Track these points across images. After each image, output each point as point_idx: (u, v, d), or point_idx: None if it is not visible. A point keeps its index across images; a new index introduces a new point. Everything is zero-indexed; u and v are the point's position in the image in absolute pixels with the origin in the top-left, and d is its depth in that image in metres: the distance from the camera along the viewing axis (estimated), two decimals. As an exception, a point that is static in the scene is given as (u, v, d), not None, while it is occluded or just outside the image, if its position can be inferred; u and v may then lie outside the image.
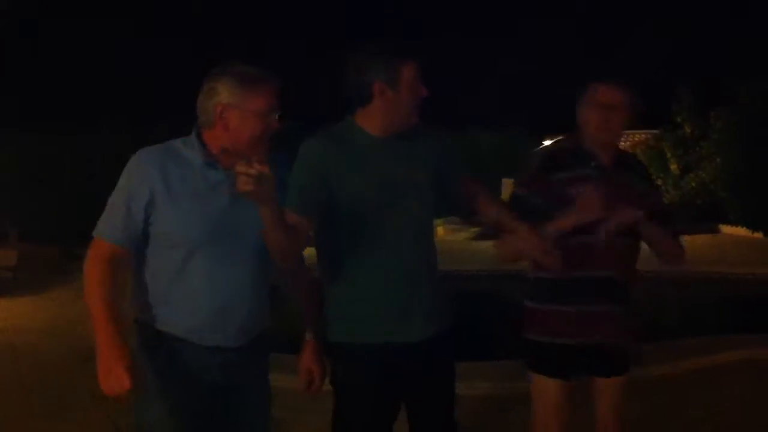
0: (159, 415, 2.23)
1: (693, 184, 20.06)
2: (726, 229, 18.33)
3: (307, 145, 2.48)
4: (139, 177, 2.19)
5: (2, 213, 13.41)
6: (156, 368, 2.24)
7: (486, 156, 19.46)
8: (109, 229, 2.22)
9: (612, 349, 2.75)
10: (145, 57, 20.82)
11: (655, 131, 22.17)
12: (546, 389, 2.74)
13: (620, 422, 2.80)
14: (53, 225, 12.22)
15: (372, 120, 2.47)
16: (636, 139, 23.29)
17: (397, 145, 2.50)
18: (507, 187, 19.32)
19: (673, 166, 20.89)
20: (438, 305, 2.55)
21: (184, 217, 2.18)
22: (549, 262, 2.50)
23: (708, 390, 5.08)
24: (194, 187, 2.20)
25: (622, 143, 23.31)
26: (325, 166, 2.43)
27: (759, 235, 16.58)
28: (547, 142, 19.39)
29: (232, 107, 2.18)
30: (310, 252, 2.53)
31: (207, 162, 2.22)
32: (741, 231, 17.55)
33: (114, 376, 2.06)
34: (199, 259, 2.20)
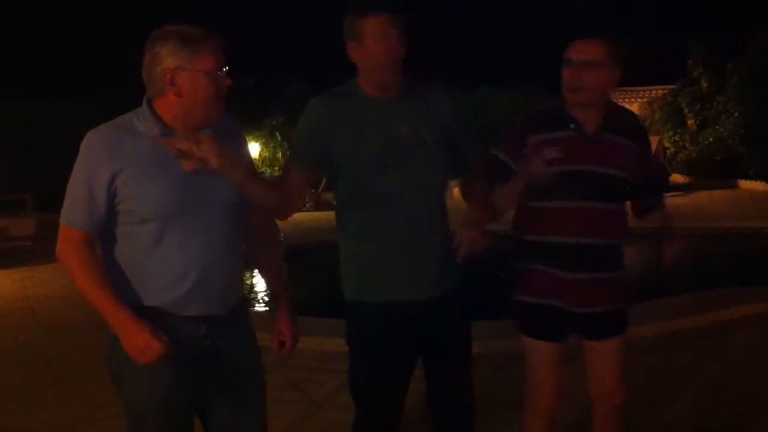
0: (148, 392, 2.19)
1: (710, 140, 19.90)
2: (744, 183, 18.19)
3: (310, 105, 2.48)
4: (95, 159, 2.11)
5: (20, 182, 13.55)
6: None
7: (504, 115, 19.33)
8: (75, 216, 2.14)
9: (599, 315, 2.66)
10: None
11: (671, 87, 21.94)
12: (537, 350, 2.70)
13: (622, 386, 2.73)
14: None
15: (363, 80, 2.46)
16: (652, 95, 23.06)
17: (401, 105, 2.47)
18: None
19: (690, 122, 20.70)
20: (447, 264, 2.54)
21: (150, 190, 2.10)
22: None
23: (726, 343, 5.07)
24: (154, 159, 2.11)
25: (639, 100, 23.24)
26: (326, 125, 2.42)
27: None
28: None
29: (180, 71, 2.08)
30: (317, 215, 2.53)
31: (163, 132, 2.13)
32: (759, 185, 17.41)
33: (144, 348, 2.06)
34: (172, 230, 2.14)
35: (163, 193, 2.11)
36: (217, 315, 2.24)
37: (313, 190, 15.13)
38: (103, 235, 2.19)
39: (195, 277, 2.17)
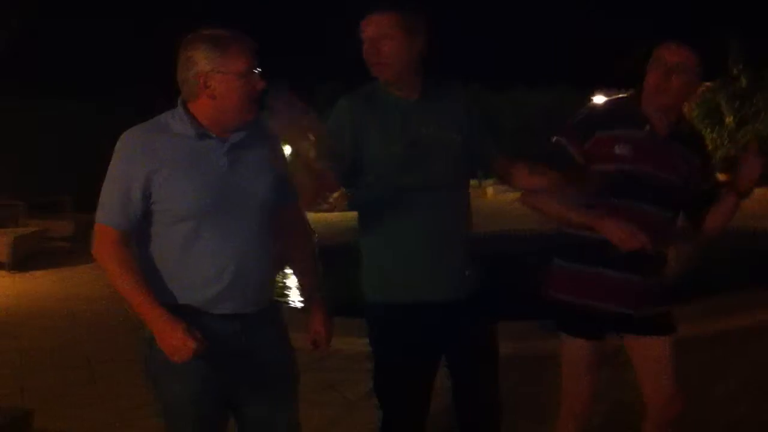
0: (183, 390, 2.22)
1: (749, 137, 19.56)
2: (784, 183, 17.84)
3: (339, 104, 2.50)
4: (130, 159, 2.15)
5: (58, 183, 13.75)
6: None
7: (533, 115, 19.19)
8: (111, 215, 2.17)
9: (648, 317, 2.63)
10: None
11: (709, 84, 21.62)
12: (575, 349, 2.67)
13: (681, 392, 2.66)
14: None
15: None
16: (690, 92, 22.73)
17: (424, 105, 2.47)
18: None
19: (728, 119, 20.38)
20: (469, 264, 2.53)
21: (185, 190, 2.14)
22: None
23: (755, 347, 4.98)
24: (190, 159, 2.16)
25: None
26: (354, 125, 2.43)
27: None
28: (596, 98, 19.03)
29: (213, 74, 2.12)
30: (343, 216, 2.54)
31: (199, 133, 2.17)
32: (800, 184, 17.07)
33: (179, 346, 2.09)
34: (208, 228, 2.17)
35: (198, 192, 2.14)
36: (250, 313, 2.27)
37: (344, 190, 15.10)
38: (138, 235, 2.22)
39: (231, 274, 2.19)
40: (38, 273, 9.88)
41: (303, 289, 2.59)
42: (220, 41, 2.12)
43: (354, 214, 2.65)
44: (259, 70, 2.18)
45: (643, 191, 2.52)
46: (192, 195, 2.14)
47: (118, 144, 2.19)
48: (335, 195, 18.55)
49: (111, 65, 17.53)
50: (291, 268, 2.59)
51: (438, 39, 2.44)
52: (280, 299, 2.48)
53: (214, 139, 2.19)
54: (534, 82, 21.29)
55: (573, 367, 2.70)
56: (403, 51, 2.38)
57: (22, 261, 10.10)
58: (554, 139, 2.65)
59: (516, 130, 16.55)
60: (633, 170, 2.51)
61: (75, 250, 10.87)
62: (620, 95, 2.76)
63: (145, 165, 2.13)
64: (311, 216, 2.67)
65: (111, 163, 2.19)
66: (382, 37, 2.35)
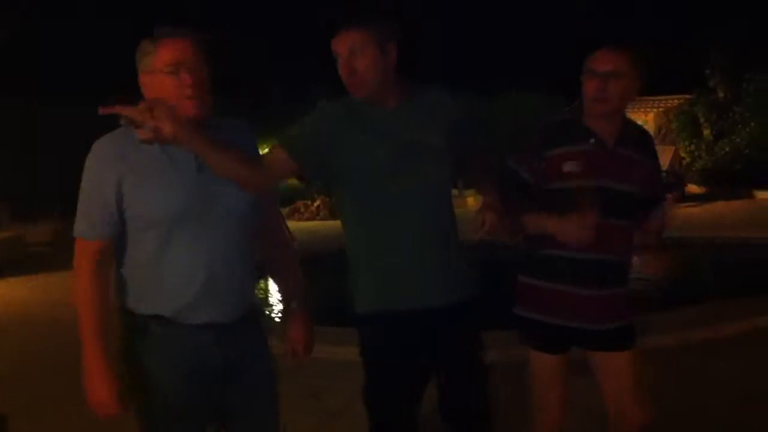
0: (160, 402, 2.18)
1: (726, 149, 19.78)
2: (760, 194, 18.05)
3: (320, 106, 2.47)
4: (102, 167, 2.12)
5: (43, 190, 13.64)
6: (147, 357, 2.19)
7: (523, 120, 19.27)
8: (89, 226, 2.15)
9: (609, 331, 2.63)
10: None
11: (687, 96, 21.82)
12: (541, 362, 2.69)
13: (641, 404, 2.65)
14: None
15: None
16: (668, 104, 22.94)
17: (408, 111, 2.46)
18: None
19: (706, 132, 20.59)
20: (458, 271, 2.54)
21: (154, 196, 2.11)
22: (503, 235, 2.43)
23: (744, 356, 5.02)
24: (157, 164, 2.12)
25: (655, 110, 23.16)
26: (334, 127, 2.40)
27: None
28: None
29: (147, 74, 2.10)
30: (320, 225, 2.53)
31: (125, 121, 2.08)
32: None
33: (100, 399, 2.10)
34: (178, 235, 2.13)
35: (167, 198, 2.11)
36: (226, 323, 2.22)
37: (326, 198, 15.16)
38: (116, 243, 2.19)
39: (201, 283, 2.14)
40: (16, 279, 9.79)
41: (283, 296, 2.56)
42: (153, 38, 2.10)
43: (336, 222, 2.64)
44: (195, 67, 2.10)
45: (600, 205, 2.46)
46: (161, 201, 2.11)
47: (89, 155, 2.16)
48: (316, 203, 18.30)
49: (102, 69, 17.42)
50: (270, 274, 2.56)
51: (431, 44, 2.42)
52: (260, 306, 2.43)
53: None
54: (527, 87, 21.43)
55: (541, 380, 2.71)
56: (378, 66, 2.36)
57: (1, 267, 10.02)
58: (508, 162, 2.66)
59: (508, 134, 16.63)
60: (583, 186, 2.50)
61: (55, 254, 10.79)
62: (564, 110, 2.76)
63: (115, 171, 2.10)
64: (292, 225, 2.66)
65: (83, 175, 2.16)
66: (354, 54, 2.34)
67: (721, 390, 4.33)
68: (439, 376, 2.59)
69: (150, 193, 2.11)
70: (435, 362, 2.56)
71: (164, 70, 2.08)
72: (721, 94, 20.23)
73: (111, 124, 2.08)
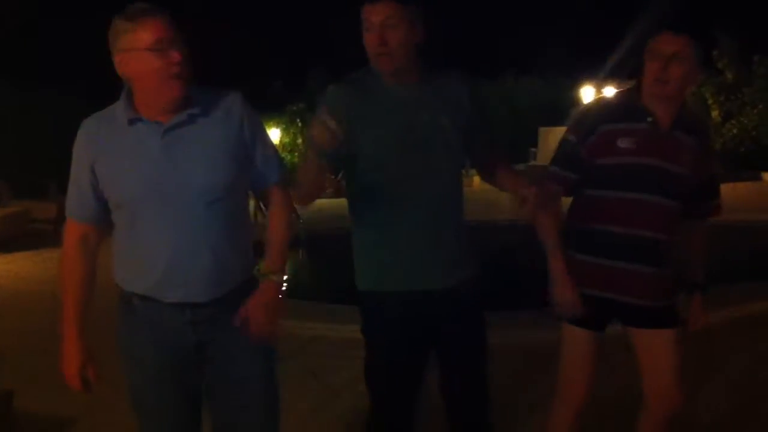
0: (138, 375, 2.25)
1: (734, 131, 19.69)
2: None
3: (329, 91, 2.45)
4: (80, 149, 2.15)
5: (41, 167, 13.66)
6: (129, 329, 2.25)
7: (523, 103, 19.22)
8: (73, 207, 2.22)
9: (650, 308, 2.65)
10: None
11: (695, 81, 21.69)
12: (577, 339, 2.70)
13: (680, 386, 2.67)
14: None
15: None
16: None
17: (419, 91, 2.44)
18: (544, 136, 19.11)
19: (714, 113, 20.48)
20: (463, 252, 2.53)
21: (119, 176, 2.10)
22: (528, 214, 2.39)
23: (749, 339, 5.02)
24: (124, 145, 2.10)
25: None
26: (347, 111, 2.35)
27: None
28: (584, 90, 19.06)
29: (125, 52, 2.03)
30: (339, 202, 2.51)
31: (130, 118, 2.10)
32: (783, 178, 17.22)
33: (68, 372, 2.22)
34: (143, 215, 2.10)
35: (130, 180, 2.09)
36: (201, 302, 2.18)
37: (333, 176, 15.10)
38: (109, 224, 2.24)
39: (164, 263, 2.12)
40: (21, 254, 9.82)
41: (261, 268, 2.44)
42: (127, 18, 2.03)
43: (342, 200, 2.63)
44: (179, 45, 2.05)
45: (647, 183, 2.54)
46: (123, 183, 2.10)
47: (77, 135, 2.18)
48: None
49: (98, 54, 17.41)
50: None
51: (431, 29, 2.40)
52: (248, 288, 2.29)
53: (147, 124, 2.10)
54: (523, 71, 21.33)
55: (572, 358, 2.72)
56: (408, 42, 2.35)
57: (5, 242, 10.03)
58: (566, 136, 2.69)
59: (506, 116, 16.59)
60: (636, 163, 2.54)
61: (58, 231, 10.80)
62: (622, 89, 2.76)
63: (89, 153, 2.12)
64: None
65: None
66: (387, 26, 2.32)
67: (717, 375, 4.34)
68: (440, 356, 2.59)
69: (114, 175, 2.11)
70: (436, 342, 2.56)
71: (150, 47, 2.01)
72: (729, 76, 20.09)
73: (98, 105, 2.09)
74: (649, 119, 2.55)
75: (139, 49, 2.01)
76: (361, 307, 2.56)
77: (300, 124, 24.01)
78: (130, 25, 2.01)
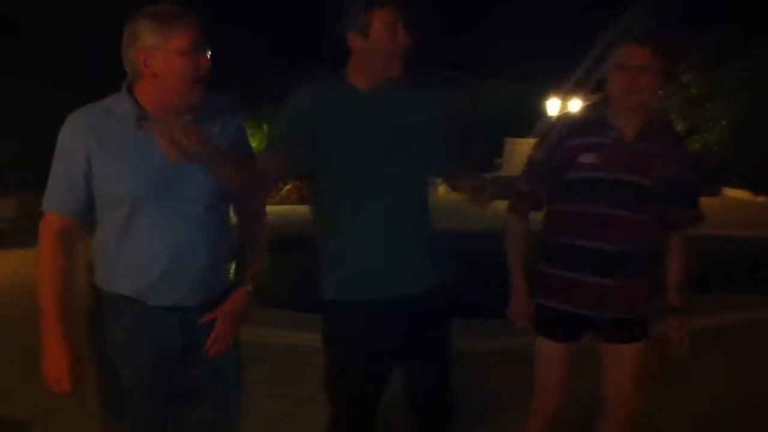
0: (120, 381, 2.17)
1: (697, 146, 19.98)
2: (729, 191, 18.29)
3: (296, 93, 2.43)
4: (72, 141, 2.08)
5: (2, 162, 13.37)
6: (111, 333, 2.18)
7: (493, 107, 19.32)
8: (56, 200, 2.12)
9: (620, 320, 2.67)
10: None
11: (659, 91, 21.98)
12: (550, 351, 2.71)
13: (637, 393, 2.72)
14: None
15: (355, 72, 2.41)
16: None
17: (391, 97, 2.40)
18: (510, 146, 19.19)
19: (678, 127, 20.76)
20: (432, 260, 2.49)
21: (122, 173, 2.06)
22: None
23: (713, 350, 5.05)
24: (128, 142, 2.06)
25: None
26: (310, 115, 2.36)
27: (762, 198, 16.56)
28: (550, 102, 19.23)
29: (154, 50, 2.00)
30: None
31: (138, 115, 2.06)
32: (744, 194, 17.54)
33: (55, 375, 2.06)
34: (143, 214, 2.09)
35: (133, 177, 2.06)
36: (189, 306, 2.18)
37: (297, 182, 15.09)
38: (90, 223, 2.16)
39: (164, 264, 2.11)
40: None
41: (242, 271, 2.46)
42: (162, 17, 2.01)
43: (304, 207, 2.60)
44: (207, 49, 2.07)
45: (610, 197, 2.54)
46: (126, 180, 2.06)
47: (62, 127, 2.12)
48: (287, 187, 18.25)
49: (58, 42, 17.13)
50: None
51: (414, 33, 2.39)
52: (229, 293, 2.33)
53: (154, 122, 2.06)
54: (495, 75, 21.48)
55: (546, 370, 2.74)
56: (408, 47, 2.34)
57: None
58: (535, 152, 2.70)
59: (487, 121, 16.69)
60: (598, 177, 2.55)
61: (16, 231, 10.57)
62: (589, 102, 2.77)
63: (85, 146, 2.06)
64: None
65: (56, 147, 2.12)
66: (390, 30, 2.30)
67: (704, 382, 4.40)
68: (407, 365, 2.56)
69: (115, 172, 2.06)
70: (403, 351, 2.53)
71: (181, 50, 2.00)
72: (693, 91, 20.39)
73: (61, 98, 2.02)
74: (612, 133, 2.56)
75: (168, 50, 2.00)
76: (325, 315, 2.51)
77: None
78: (160, 26, 1.99)
